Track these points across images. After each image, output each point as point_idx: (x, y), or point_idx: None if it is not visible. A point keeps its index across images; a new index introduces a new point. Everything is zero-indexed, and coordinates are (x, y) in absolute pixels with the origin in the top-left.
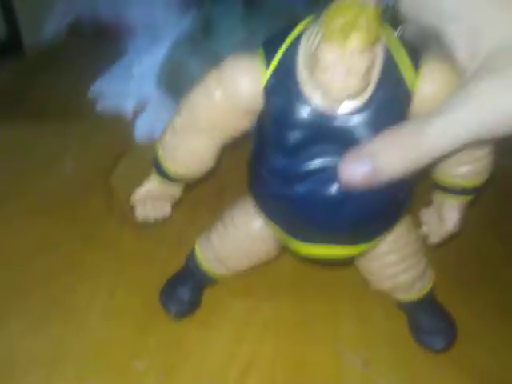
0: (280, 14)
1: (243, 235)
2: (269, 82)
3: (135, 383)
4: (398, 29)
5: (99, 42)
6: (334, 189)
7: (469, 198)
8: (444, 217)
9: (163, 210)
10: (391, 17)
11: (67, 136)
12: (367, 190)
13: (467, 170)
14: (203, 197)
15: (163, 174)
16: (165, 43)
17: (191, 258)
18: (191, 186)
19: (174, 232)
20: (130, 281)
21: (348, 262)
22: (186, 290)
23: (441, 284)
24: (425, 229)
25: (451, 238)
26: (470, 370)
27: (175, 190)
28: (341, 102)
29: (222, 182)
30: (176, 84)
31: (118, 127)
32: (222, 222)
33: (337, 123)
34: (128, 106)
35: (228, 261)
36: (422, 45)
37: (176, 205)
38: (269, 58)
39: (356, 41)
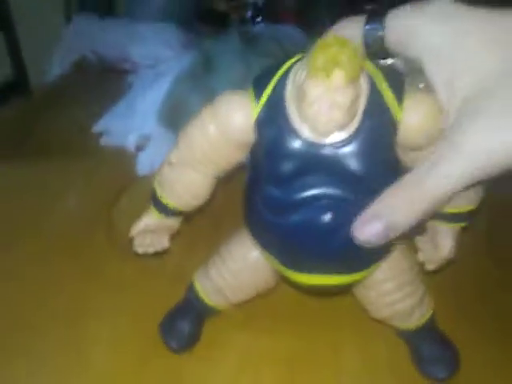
0: (275, 50)
1: (241, 267)
2: (259, 115)
3: None
4: (384, 61)
5: (103, 80)
6: (326, 217)
7: (462, 224)
8: (439, 243)
9: (161, 242)
10: (379, 49)
11: (71, 172)
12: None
13: (460, 198)
14: (201, 230)
15: (161, 208)
16: (167, 80)
17: (190, 290)
18: (189, 218)
19: (174, 265)
20: (132, 314)
21: (344, 291)
22: (186, 322)
23: (440, 311)
24: (420, 256)
25: (448, 265)
26: None
27: (173, 223)
28: (328, 134)
29: (218, 214)
30: (177, 119)
31: (121, 162)
32: (220, 255)
33: (327, 154)
34: (130, 142)
35: (227, 293)
36: (409, 76)
37: (175, 238)
38: (258, 93)
39: (338, 77)
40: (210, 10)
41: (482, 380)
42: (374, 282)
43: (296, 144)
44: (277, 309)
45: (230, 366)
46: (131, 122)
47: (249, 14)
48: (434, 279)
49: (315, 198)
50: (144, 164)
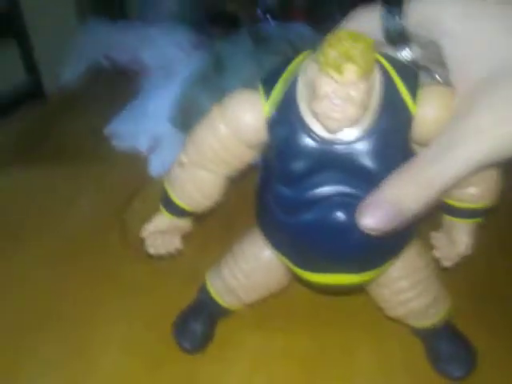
0: (286, 49)
1: (253, 267)
2: (270, 114)
3: None
4: (404, 51)
5: (116, 83)
6: (339, 216)
7: (478, 220)
8: (455, 240)
9: (173, 243)
10: (397, 36)
11: (83, 176)
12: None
13: (474, 192)
14: (213, 230)
15: (172, 209)
16: (178, 81)
17: (203, 291)
18: (201, 218)
19: (187, 265)
20: (145, 316)
21: (358, 290)
22: (199, 323)
23: (458, 309)
24: (436, 253)
25: (464, 261)
26: None
27: (184, 224)
28: (341, 130)
29: (231, 214)
30: (189, 120)
31: (133, 164)
32: (232, 254)
33: (340, 151)
34: (142, 143)
35: (239, 293)
36: (424, 66)
37: (187, 238)
38: (268, 91)
39: (350, 72)
40: (221, 11)
41: (498, 379)
42: (388, 280)
43: (308, 141)
44: (290, 308)
45: (244, 366)
46: (143, 124)
47: (259, 13)
48: (451, 277)
49: (328, 196)
50: (156, 165)
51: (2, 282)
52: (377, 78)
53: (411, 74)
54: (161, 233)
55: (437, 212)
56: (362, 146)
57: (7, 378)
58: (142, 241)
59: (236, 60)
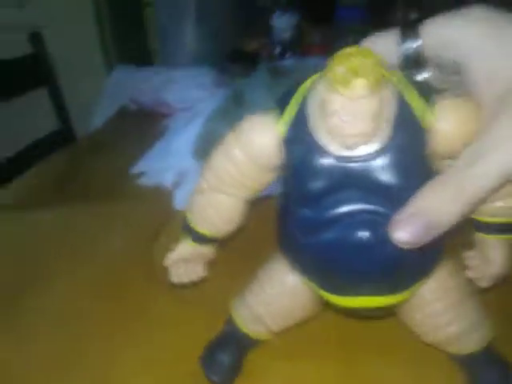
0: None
1: (278, 292)
2: (285, 135)
3: None
4: (422, 72)
5: (142, 125)
6: (362, 234)
7: (511, 235)
8: (490, 258)
9: (197, 272)
10: (415, 60)
11: (110, 214)
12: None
13: (504, 205)
14: (239, 258)
15: (194, 236)
16: (201, 118)
17: (229, 321)
18: (223, 245)
19: (214, 296)
20: (173, 350)
21: (389, 314)
22: (226, 355)
23: (502, 335)
24: (470, 273)
25: (501, 280)
26: None
27: (207, 251)
28: (355, 146)
29: (256, 241)
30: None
31: (159, 200)
32: (257, 280)
33: (357, 168)
34: (167, 179)
35: (266, 320)
36: (442, 88)
37: (213, 268)
38: (281, 113)
39: (358, 87)
40: (241, 50)
41: None
42: (420, 304)
43: (324, 160)
44: (321, 336)
45: None
46: (168, 162)
47: (277, 51)
48: (488, 299)
49: (349, 214)
50: (181, 199)
51: (33, 320)
52: (389, 93)
53: (426, 90)
54: (184, 261)
55: (469, 230)
56: (378, 162)
57: None
58: (167, 273)
59: (255, 94)
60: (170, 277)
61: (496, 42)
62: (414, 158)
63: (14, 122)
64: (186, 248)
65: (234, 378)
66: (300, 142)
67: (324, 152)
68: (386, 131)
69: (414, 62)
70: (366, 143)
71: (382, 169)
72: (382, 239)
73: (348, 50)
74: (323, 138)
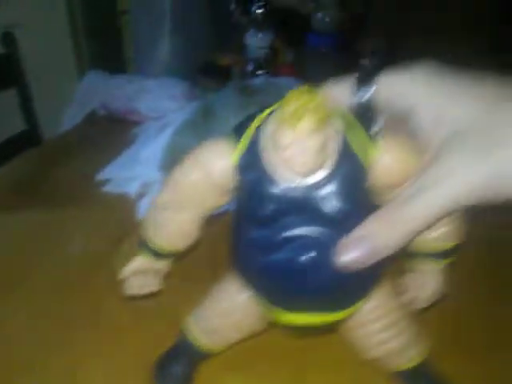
0: (272, 102)
1: (230, 309)
2: (239, 161)
3: None
4: (374, 119)
5: (111, 132)
6: (306, 256)
7: (446, 261)
8: (425, 282)
9: (152, 285)
10: (368, 108)
11: (72, 220)
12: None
13: (440, 233)
14: (199, 271)
15: (150, 250)
16: (169, 130)
17: (182, 333)
18: (180, 259)
19: (171, 308)
20: (127, 358)
21: (330, 331)
22: (179, 365)
23: (438, 351)
24: (407, 295)
25: (435, 303)
26: None
27: (163, 265)
28: (302, 177)
29: (218, 256)
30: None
31: (123, 209)
32: (211, 296)
33: (304, 195)
34: (132, 189)
35: (217, 334)
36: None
37: (172, 281)
38: (237, 141)
39: (304, 126)
40: (213, 64)
41: None
42: (361, 322)
43: (274, 187)
44: (273, 351)
45: None
46: (134, 171)
47: (250, 68)
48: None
49: (296, 237)
50: (145, 210)
51: None
52: (333, 130)
53: (368, 127)
54: (140, 274)
55: (407, 255)
56: (322, 192)
57: None
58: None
59: (224, 111)
60: (124, 289)
61: (441, 91)
62: (356, 189)
63: None
64: (141, 262)
65: None
66: (252, 169)
67: (274, 180)
68: (329, 164)
69: (367, 110)
70: (311, 174)
71: (326, 197)
72: (323, 262)
73: (297, 91)
74: (274, 167)
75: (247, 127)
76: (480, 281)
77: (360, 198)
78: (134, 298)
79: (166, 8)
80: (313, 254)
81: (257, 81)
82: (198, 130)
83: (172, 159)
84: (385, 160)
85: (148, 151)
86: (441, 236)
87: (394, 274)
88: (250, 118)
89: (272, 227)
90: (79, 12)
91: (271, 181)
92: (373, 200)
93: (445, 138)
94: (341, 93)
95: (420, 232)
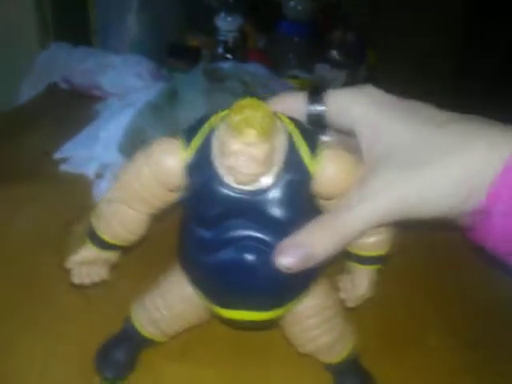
0: (239, 89)
1: (175, 299)
2: (188, 162)
3: None
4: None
5: (72, 107)
6: (248, 257)
7: (376, 266)
8: (356, 284)
9: (99, 274)
10: (318, 122)
11: (25, 198)
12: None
13: (373, 241)
14: (152, 260)
15: (97, 241)
16: (132, 109)
17: (127, 321)
18: (127, 251)
19: (122, 295)
20: (71, 342)
21: (269, 327)
22: (122, 352)
23: (368, 347)
24: (341, 294)
25: (366, 302)
26: None
27: (110, 256)
28: (247, 183)
29: (162, 245)
30: (136, 150)
31: (79, 189)
32: (157, 286)
33: (248, 200)
34: (90, 169)
35: (161, 325)
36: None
37: (125, 269)
38: (188, 141)
39: (250, 135)
40: (182, 44)
41: None
42: (298, 319)
43: (221, 190)
44: (214, 341)
45: None
46: (93, 150)
47: (219, 50)
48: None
49: (239, 239)
50: (102, 191)
51: None
52: (280, 138)
53: (313, 138)
54: (87, 263)
55: (343, 257)
56: (267, 197)
57: None
58: None
59: (190, 96)
60: (71, 277)
61: (380, 111)
62: (299, 196)
63: None
64: (89, 251)
65: (125, 374)
66: (201, 170)
67: (221, 183)
68: (275, 171)
69: (317, 124)
70: (256, 181)
71: (270, 202)
72: (264, 263)
73: (244, 102)
74: (221, 171)
75: (200, 128)
76: (412, 282)
77: (303, 205)
78: (81, 285)
79: None
80: (252, 255)
81: (225, 65)
82: (161, 113)
83: (132, 142)
84: (329, 170)
85: (109, 131)
86: (373, 244)
87: (332, 273)
88: (204, 119)
89: (218, 228)
90: None
91: (218, 184)
92: (316, 207)
93: (380, 154)
94: (293, 105)
95: (351, 241)
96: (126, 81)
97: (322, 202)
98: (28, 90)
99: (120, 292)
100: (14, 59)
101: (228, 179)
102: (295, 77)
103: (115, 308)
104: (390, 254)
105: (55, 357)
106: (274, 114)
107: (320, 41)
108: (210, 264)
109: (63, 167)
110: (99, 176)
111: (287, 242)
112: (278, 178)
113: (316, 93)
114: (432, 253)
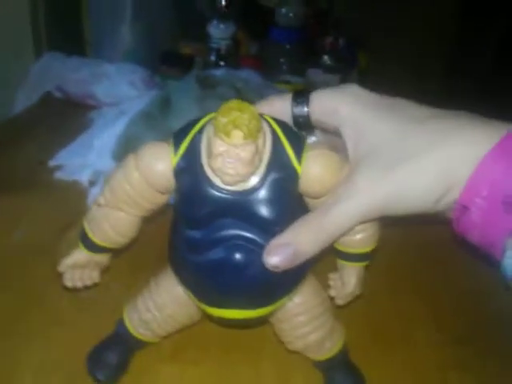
0: (231, 96)
1: (166, 301)
2: (177, 165)
3: None
4: (310, 133)
5: (66, 116)
6: (236, 256)
7: (363, 263)
8: (345, 281)
9: (91, 277)
10: (303, 123)
11: (21, 206)
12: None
13: (359, 238)
14: (143, 263)
15: (89, 245)
16: (126, 117)
17: (120, 323)
18: (118, 254)
19: (114, 298)
20: (64, 345)
21: (258, 324)
22: (114, 354)
23: (357, 344)
24: (331, 292)
25: (355, 300)
26: None
27: (102, 259)
28: (234, 184)
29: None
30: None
31: (73, 197)
32: (148, 288)
33: (236, 200)
34: (84, 177)
35: (153, 326)
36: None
37: (116, 272)
38: (177, 145)
39: (236, 137)
40: (175, 52)
41: None
42: (288, 316)
43: (209, 191)
44: (205, 341)
45: None
46: (87, 158)
47: (212, 58)
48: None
49: (228, 238)
50: (95, 198)
51: None
52: (266, 139)
53: (298, 138)
54: (79, 266)
55: (333, 255)
56: (255, 197)
57: None
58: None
59: (182, 103)
60: (64, 280)
61: (364, 112)
62: (286, 196)
63: None
64: (81, 255)
65: (118, 377)
66: (190, 172)
67: (210, 184)
68: (262, 172)
69: (303, 125)
70: (243, 181)
71: (257, 202)
72: (253, 261)
73: (230, 103)
74: (210, 172)
75: (189, 132)
76: (400, 278)
77: (291, 204)
78: (74, 289)
79: None
80: (242, 255)
81: (217, 72)
82: (154, 121)
83: (125, 149)
84: (314, 169)
85: (102, 139)
86: (359, 241)
87: (322, 271)
88: (192, 123)
89: (206, 228)
90: None
91: (207, 185)
92: (303, 206)
93: (364, 154)
94: (280, 108)
95: (337, 239)
96: (119, 90)
97: (309, 201)
98: (23, 100)
99: (112, 294)
100: (9, 69)
101: (216, 181)
102: (288, 82)
103: (107, 310)
104: (376, 249)
105: (49, 361)
106: (260, 115)
107: (312, 46)
108: (200, 263)
109: (58, 175)
110: (93, 183)
111: (274, 241)
112: (264, 178)
113: (301, 95)
114: (419, 249)
